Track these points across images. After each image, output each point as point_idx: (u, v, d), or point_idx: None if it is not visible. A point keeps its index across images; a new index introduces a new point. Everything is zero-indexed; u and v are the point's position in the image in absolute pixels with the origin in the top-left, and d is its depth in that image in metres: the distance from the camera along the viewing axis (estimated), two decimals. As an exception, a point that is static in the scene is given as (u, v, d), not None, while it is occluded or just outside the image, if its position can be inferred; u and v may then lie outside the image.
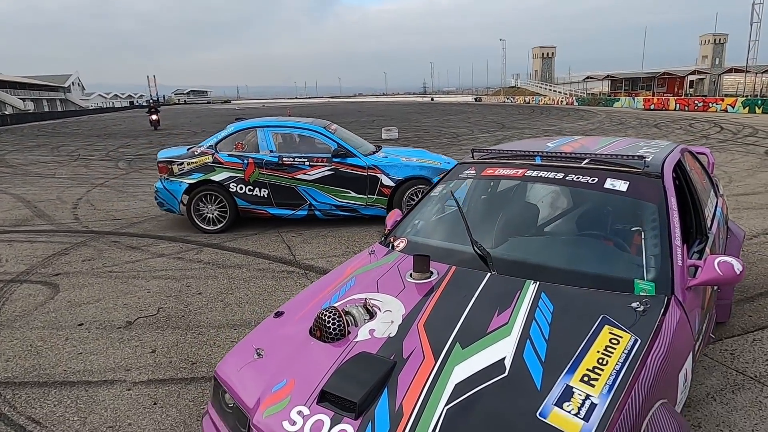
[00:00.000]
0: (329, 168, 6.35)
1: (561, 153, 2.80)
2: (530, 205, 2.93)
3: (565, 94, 56.13)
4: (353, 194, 6.41)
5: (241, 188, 6.33)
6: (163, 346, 3.48)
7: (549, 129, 21.70)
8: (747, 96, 34.39)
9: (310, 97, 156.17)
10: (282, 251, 5.53)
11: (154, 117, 27.31)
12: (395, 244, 2.63)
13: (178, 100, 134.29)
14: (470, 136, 19.22)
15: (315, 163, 6.35)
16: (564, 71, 74.22)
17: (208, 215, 6.38)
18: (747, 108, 29.41)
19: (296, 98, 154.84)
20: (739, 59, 50.75)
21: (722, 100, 32.34)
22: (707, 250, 2.57)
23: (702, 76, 48.05)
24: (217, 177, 6.30)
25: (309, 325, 1.97)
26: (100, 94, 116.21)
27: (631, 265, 2.17)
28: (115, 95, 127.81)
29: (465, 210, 3.00)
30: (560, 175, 2.55)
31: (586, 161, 2.61)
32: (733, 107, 30.36)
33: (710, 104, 32.41)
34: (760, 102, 29.63)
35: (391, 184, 6.35)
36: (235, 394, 1.78)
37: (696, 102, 33.75)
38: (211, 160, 6.34)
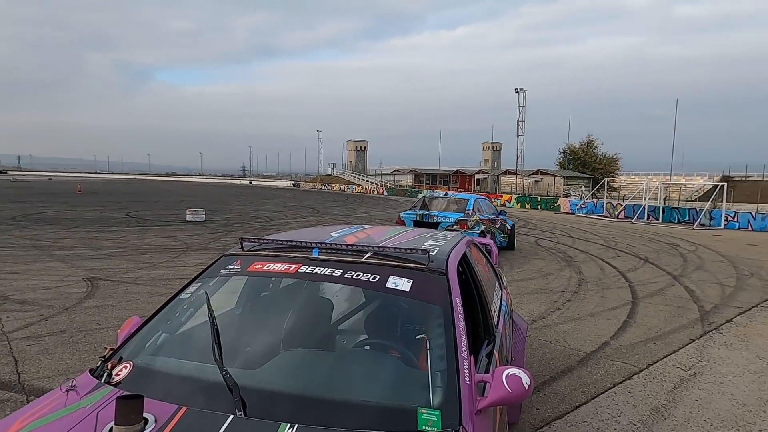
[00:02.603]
0: (501, 220, 12.35)
1: (341, 245, 2.42)
2: (321, 302, 2.44)
3: (376, 184, 60.58)
4: (502, 234, 12.07)
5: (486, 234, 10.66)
6: None
7: (361, 216, 22.59)
8: (518, 194, 41.30)
9: (113, 173, 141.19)
10: (2, 366, 4.07)
11: None
12: (113, 372, 1.84)
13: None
14: (284, 221, 18.83)
15: (498, 219, 12.18)
16: (375, 164, 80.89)
17: None
18: (519, 204, 35.15)
19: (95, 173, 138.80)
20: (512, 163, 61.61)
21: (501, 196, 38.22)
22: (495, 353, 2.36)
23: (485, 176, 56.72)
24: (479, 229, 10.71)
25: None
26: None
27: (416, 386, 1.76)
28: None
29: (238, 313, 2.41)
30: (338, 272, 2.13)
31: (367, 255, 2.26)
32: (510, 203, 36.00)
33: (493, 200, 37.93)
34: (528, 199, 35.77)
35: (509, 227, 12.48)
36: None
37: (482, 197, 39.28)
38: (478, 219, 11.03)
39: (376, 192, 55.58)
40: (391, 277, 2.08)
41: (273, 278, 2.36)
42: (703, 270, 10.13)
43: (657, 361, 4.74)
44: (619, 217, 26.38)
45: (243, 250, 2.46)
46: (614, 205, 28.28)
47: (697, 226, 21.67)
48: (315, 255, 2.28)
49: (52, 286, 6.99)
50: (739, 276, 9.53)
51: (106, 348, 2.02)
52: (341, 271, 2.13)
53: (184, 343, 2.11)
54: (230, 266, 2.34)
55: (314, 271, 2.15)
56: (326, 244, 2.40)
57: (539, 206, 33.51)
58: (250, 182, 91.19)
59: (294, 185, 75.99)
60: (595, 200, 30.38)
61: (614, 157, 51.03)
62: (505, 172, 52.20)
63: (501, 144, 70.05)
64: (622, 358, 4.81)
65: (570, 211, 30.16)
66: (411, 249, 2.26)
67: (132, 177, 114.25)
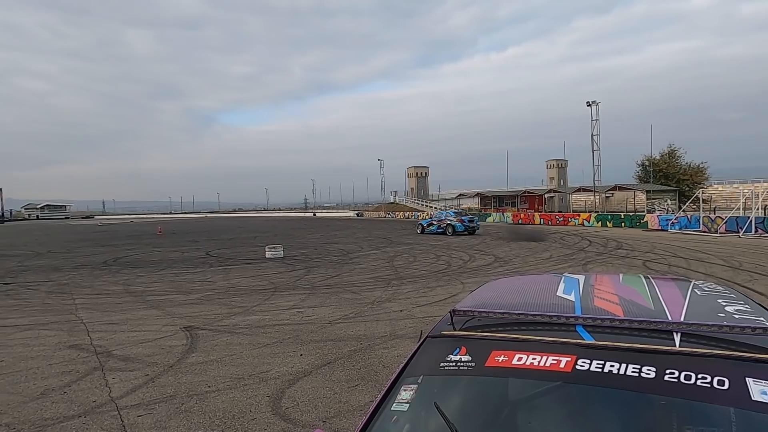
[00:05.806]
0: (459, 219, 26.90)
1: (617, 318, 1.62)
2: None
3: (441, 209, 59.55)
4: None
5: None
6: None
7: (437, 244, 21.72)
8: (598, 211, 38.90)
9: (186, 213, 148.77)
10: (117, 450, 3.56)
11: None
12: None
13: (29, 215, 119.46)
14: (360, 253, 18.32)
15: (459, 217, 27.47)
16: (437, 189, 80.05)
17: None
18: (600, 222, 32.92)
19: (170, 213, 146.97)
20: (576, 180, 58.77)
21: (579, 215, 36.08)
22: None
23: (553, 195, 54.28)
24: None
25: None
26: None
27: None
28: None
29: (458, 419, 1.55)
30: (650, 372, 1.34)
31: (679, 339, 1.45)
32: (589, 221, 33.85)
33: (569, 219, 35.91)
34: (609, 217, 33.45)
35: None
36: None
37: (557, 217, 37.26)
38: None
39: (441, 217, 54.46)
40: (751, 381, 1.26)
41: (529, 381, 1.55)
42: None
43: None
44: (721, 231, 23.90)
45: (456, 330, 1.73)
46: (712, 218, 25.74)
47: (822, 237, 19.08)
48: (587, 339, 1.51)
49: (152, 338, 6.65)
50: None
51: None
52: (653, 369, 1.34)
53: None
54: (452, 356, 1.60)
55: (606, 370, 1.37)
56: (595, 320, 1.61)
57: (623, 224, 31.21)
58: (314, 214, 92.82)
59: (357, 215, 76.38)
60: (688, 214, 27.86)
61: (701, 166, 47.30)
62: (579, 189, 49.64)
63: (566, 161, 67.30)
64: None
65: (660, 228, 27.80)
66: (742, 326, 1.44)
67: (204, 215, 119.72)
